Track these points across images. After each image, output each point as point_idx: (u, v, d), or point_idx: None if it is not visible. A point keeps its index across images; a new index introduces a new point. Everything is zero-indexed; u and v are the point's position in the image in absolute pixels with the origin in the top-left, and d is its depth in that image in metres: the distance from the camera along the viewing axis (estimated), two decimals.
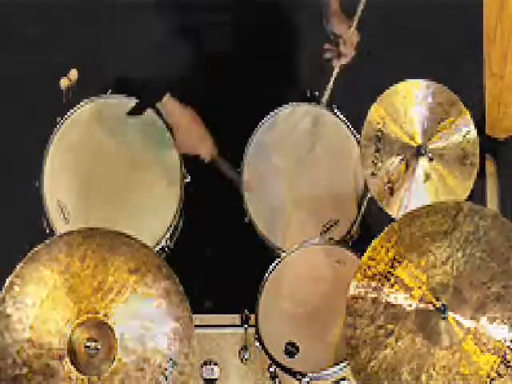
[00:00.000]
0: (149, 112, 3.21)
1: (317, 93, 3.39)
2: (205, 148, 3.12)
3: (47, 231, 3.21)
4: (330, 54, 3.07)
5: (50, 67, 3.65)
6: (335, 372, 2.94)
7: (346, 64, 3.06)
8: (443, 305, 2.52)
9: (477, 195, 3.05)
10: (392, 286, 2.57)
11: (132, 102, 3.18)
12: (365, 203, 3.18)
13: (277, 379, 3.04)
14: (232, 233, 3.45)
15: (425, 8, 3.78)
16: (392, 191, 2.98)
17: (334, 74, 3.06)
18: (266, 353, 3.00)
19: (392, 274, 2.57)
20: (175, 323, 2.55)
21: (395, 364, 2.52)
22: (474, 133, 3.03)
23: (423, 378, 2.51)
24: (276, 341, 3.01)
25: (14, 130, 3.64)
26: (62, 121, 3.23)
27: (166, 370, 2.53)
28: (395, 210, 2.99)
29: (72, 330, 2.52)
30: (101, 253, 2.56)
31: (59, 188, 3.19)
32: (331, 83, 3.09)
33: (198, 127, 3.09)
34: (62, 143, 3.23)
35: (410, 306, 2.55)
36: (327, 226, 3.24)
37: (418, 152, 2.96)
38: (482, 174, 3.51)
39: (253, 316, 3.08)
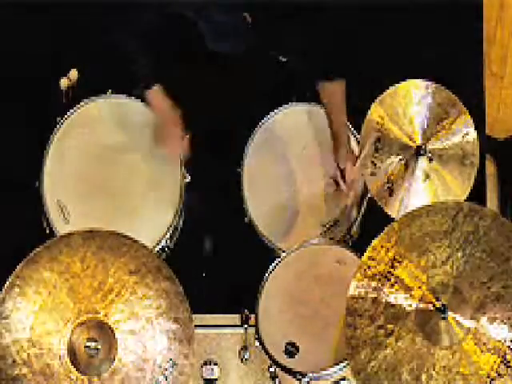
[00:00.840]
0: (149, 112, 3.22)
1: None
2: (175, 147, 3.14)
3: (47, 231, 3.21)
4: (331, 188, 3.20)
5: (50, 67, 3.65)
6: (335, 372, 2.94)
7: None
8: (443, 305, 2.52)
9: (477, 195, 3.05)
10: (392, 285, 2.57)
11: (131, 102, 3.21)
12: (365, 203, 3.18)
13: (277, 379, 3.04)
14: (232, 233, 3.45)
15: (425, 8, 3.78)
16: (391, 191, 2.99)
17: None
18: (266, 353, 3.00)
19: (392, 274, 2.57)
20: (175, 324, 2.55)
21: (395, 364, 2.52)
22: (473, 133, 3.03)
23: (423, 377, 2.51)
24: (276, 341, 3.01)
25: (14, 130, 3.64)
26: (61, 121, 3.23)
27: (166, 370, 2.53)
28: (395, 210, 2.99)
29: (72, 330, 2.52)
30: (101, 254, 2.56)
31: (59, 188, 3.19)
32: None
33: (173, 127, 3.10)
34: (62, 143, 3.23)
35: (410, 305, 2.55)
36: (327, 226, 3.24)
37: (418, 152, 2.96)
38: (481, 174, 3.50)
39: (253, 316, 3.08)
